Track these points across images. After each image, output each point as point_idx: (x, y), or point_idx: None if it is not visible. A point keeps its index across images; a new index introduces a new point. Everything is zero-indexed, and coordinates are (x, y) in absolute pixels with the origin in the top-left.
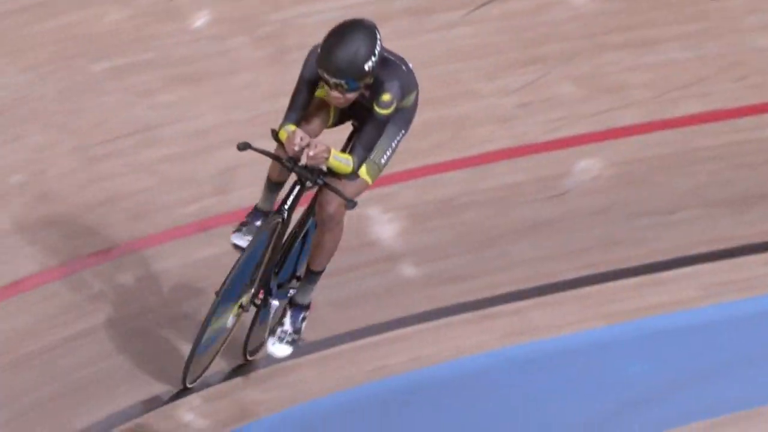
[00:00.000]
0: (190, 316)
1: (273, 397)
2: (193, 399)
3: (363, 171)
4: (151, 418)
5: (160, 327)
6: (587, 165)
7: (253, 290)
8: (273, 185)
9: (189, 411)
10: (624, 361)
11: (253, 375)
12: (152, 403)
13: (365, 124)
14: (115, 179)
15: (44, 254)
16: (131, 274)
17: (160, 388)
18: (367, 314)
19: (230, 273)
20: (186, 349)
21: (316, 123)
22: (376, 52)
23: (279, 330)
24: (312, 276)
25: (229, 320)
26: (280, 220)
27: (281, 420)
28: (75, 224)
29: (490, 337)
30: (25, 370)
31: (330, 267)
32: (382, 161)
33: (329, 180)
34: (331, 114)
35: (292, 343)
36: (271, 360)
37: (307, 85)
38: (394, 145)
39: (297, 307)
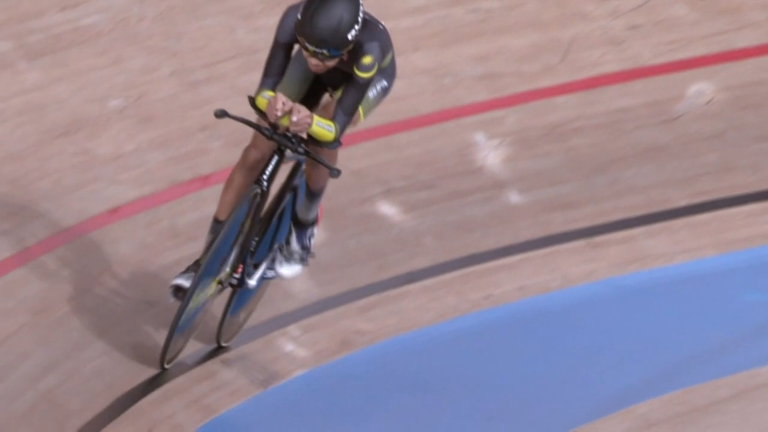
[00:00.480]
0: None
1: (375, 327)
2: (293, 329)
3: None
4: (252, 347)
5: None
6: (701, 88)
7: (230, 267)
8: (219, 227)
9: (290, 341)
10: (739, 290)
11: (355, 304)
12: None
13: (346, 89)
14: (215, 104)
15: (143, 180)
16: None
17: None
18: (472, 242)
19: (209, 247)
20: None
21: None
22: (359, 19)
23: (285, 250)
24: (313, 197)
25: (207, 297)
26: (259, 191)
27: (383, 350)
28: (174, 149)
29: (600, 266)
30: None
31: (434, 194)
32: (370, 96)
33: (310, 148)
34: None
35: (301, 260)
36: (374, 289)
37: (283, 49)
38: (379, 87)
39: (301, 225)
